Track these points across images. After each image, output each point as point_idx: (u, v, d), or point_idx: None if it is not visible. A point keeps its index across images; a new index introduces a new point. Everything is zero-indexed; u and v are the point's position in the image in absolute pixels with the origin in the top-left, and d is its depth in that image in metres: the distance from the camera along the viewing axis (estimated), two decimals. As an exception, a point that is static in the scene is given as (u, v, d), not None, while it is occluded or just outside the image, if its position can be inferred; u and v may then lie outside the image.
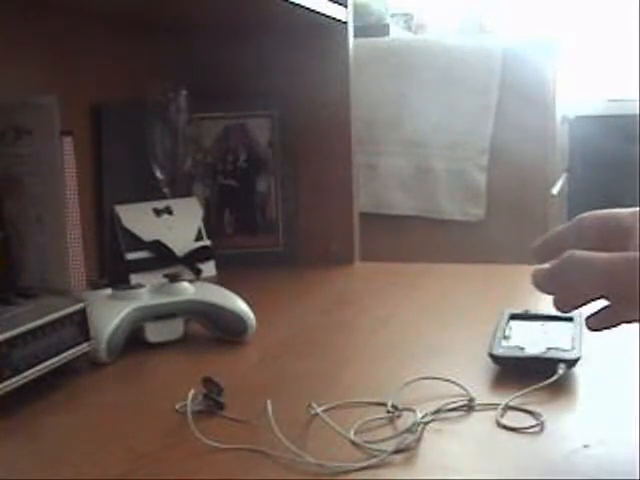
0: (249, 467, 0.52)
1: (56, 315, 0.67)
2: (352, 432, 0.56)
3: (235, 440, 0.55)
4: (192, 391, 0.60)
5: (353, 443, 0.54)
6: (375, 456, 0.52)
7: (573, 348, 0.67)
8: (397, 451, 0.53)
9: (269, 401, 0.57)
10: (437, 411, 0.59)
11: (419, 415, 0.57)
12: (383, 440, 0.54)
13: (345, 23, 1.21)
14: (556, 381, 0.62)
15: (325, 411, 0.59)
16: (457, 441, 0.55)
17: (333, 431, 0.55)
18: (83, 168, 1.02)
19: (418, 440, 0.54)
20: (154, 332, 0.80)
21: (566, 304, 0.50)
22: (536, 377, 0.63)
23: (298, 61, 1.25)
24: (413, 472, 0.50)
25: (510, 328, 0.74)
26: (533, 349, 0.67)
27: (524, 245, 1.91)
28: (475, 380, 0.67)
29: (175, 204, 1.12)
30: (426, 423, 0.57)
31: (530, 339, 0.71)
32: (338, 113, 1.24)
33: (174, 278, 0.84)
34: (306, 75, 1.25)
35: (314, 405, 0.60)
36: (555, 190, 2.01)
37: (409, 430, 0.55)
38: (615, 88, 2.93)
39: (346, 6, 1.20)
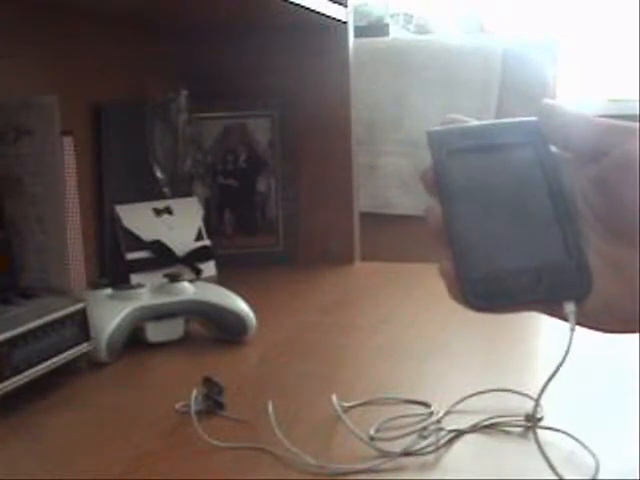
0: (249, 466, 0.52)
1: (56, 315, 0.67)
2: (372, 431, 0.55)
3: (235, 439, 0.55)
4: (195, 391, 0.60)
5: (371, 442, 0.54)
6: (384, 457, 0.52)
7: (573, 262, 0.42)
8: (407, 454, 0.52)
9: (270, 401, 0.57)
10: (477, 424, 0.57)
11: (438, 419, 0.57)
12: (397, 438, 0.54)
13: (345, 23, 1.21)
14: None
15: (350, 408, 0.59)
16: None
17: (330, 431, 0.55)
18: (83, 168, 1.02)
19: (440, 447, 0.53)
20: (154, 332, 0.80)
21: None
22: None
23: (298, 61, 1.25)
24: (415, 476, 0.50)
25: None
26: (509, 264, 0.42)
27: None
28: (470, 380, 0.67)
29: (175, 204, 1.12)
30: (458, 432, 0.55)
31: (497, 240, 0.43)
32: (338, 113, 1.24)
33: (174, 278, 0.84)
34: (306, 75, 1.25)
35: (336, 403, 0.59)
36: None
37: (424, 435, 0.54)
38: (615, 88, 2.93)
39: (346, 6, 1.20)
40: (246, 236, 1.24)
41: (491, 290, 0.42)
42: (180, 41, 1.27)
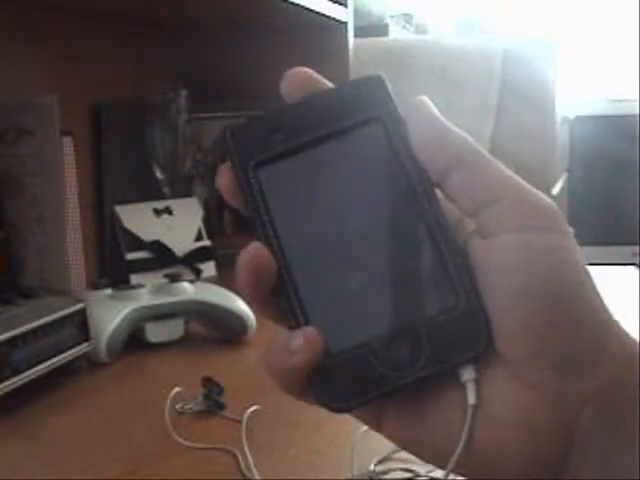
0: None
1: (56, 315, 0.67)
2: (372, 464, 0.52)
3: (231, 440, 0.55)
4: (175, 389, 0.60)
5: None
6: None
7: (461, 303, 0.28)
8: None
9: (252, 407, 0.57)
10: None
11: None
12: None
13: (345, 23, 1.21)
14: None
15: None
16: None
17: (320, 440, 0.55)
18: (83, 168, 1.02)
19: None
20: (154, 332, 0.80)
21: None
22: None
23: (298, 61, 1.24)
24: None
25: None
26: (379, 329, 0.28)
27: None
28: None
29: (175, 204, 1.12)
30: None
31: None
32: (338, 113, 1.24)
33: (174, 278, 0.84)
34: (306, 75, 1.24)
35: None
36: (555, 190, 2.01)
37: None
38: (615, 88, 2.93)
39: (346, 6, 1.20)
40: (246, 236, 1.23)
41: (349, 381, 0.27)
42: (180, 41, 1.27)
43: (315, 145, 0.29)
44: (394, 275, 0.28)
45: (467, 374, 0.27)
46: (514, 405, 0.27)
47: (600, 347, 0.27)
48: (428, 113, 0.30)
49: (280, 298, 0.28)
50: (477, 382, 0.27)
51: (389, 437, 0.29)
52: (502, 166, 0.29)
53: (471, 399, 0.27)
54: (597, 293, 0.27)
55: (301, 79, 0.31)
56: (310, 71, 0.31)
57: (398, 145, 0.29)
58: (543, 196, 0.28)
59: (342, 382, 0.27)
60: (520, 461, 0.27)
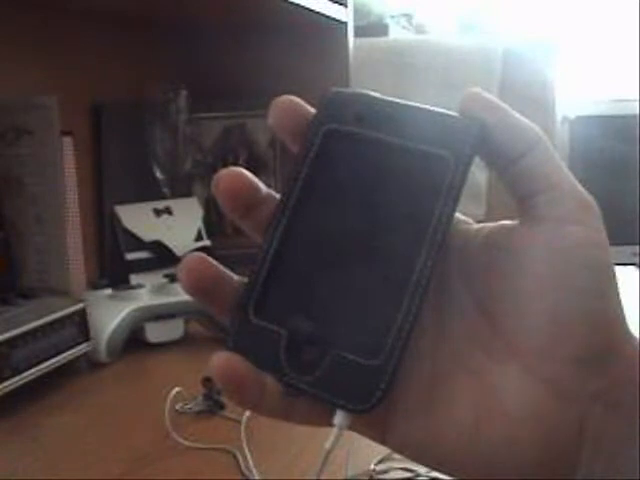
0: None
1: (56, 315, 0.67)
2: (372, 465, 0.53)
3: (231, 440, 0.55)
4: (175, 389, 0.60)
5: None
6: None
7: (382, 356, 0.27)
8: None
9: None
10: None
11: None
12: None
13: (345, 23, 1.21)
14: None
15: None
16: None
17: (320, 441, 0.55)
18: (83, 168, 1.02)
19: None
20: (154, 332, 0.80)
21: None
22: None
23: (298, 61, 1.25)
24: None
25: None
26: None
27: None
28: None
29: (175, 204, 1.12)
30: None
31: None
32: (338, 113, 1.24)
33: (174, 278, 0.84)
34: (306, 75, 1.24)
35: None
36: (555, 190, 2.01)
37: None
38: (616, 88, 2.93)
39: (346, 6, 1.20)
40: (246, 236, 1.23)
41: (263, 347, 0.29)
42: (180, 41, 1.27)
43: (382, 148, 0.30)
44: (351, 296, 0.28)
45: (340, 419, 0.27)
46: (525, 400, 0.27)
47: (615, 346, 0.27)
48: (501, 109, 0.30)
49: (264, 237, 0.31)
50: (344, 430, 0.27)
51: (395, 449, 0.29)
52: (559, 158, 0.30)
53: (329, 445, 0.28)
54: (618, 293, 0.28)
55: (287, 108, 0.33)
56: (294, 99, 0.33)
57: (444, 192, 0.29)
58: (587, 194, 0.29)
59: (261, 342, 0.29)
60: (532, 458, 0.27)
